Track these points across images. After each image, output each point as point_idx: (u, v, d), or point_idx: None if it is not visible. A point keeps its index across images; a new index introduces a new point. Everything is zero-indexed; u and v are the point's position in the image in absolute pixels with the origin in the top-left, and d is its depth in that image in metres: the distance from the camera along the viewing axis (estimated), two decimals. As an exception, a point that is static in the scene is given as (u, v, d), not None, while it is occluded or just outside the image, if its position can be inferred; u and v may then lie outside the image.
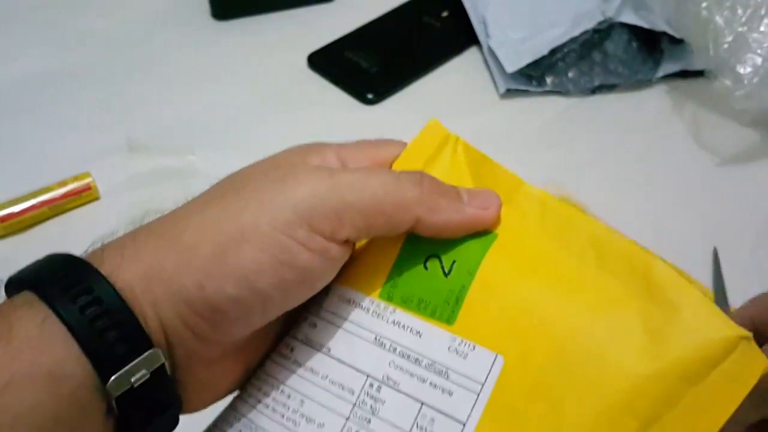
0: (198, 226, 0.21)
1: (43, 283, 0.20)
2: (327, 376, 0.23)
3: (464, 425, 0.21)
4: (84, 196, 0.47)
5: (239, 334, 0.22)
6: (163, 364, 0.20)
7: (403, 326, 0.23)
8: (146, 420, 0.20)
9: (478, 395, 0.21)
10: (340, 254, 0.22)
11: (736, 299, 0.43)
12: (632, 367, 0.20)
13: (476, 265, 0.23)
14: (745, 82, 0.49)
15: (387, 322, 0.23)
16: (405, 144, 0.25)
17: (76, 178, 0.47)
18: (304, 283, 0.22)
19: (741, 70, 0.50)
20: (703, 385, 0.20)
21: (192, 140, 0.52)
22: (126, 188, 0.48)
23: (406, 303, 0.23)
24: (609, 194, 0.47)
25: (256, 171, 0.22)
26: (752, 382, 0.20)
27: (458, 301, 0.22)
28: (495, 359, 0.21)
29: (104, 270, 0.20)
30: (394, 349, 0.22)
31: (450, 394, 0.22)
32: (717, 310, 0.21)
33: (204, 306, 0.20)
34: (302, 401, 0.23)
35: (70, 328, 0.19)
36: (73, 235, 0.46)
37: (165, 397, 0.21)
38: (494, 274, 0.23)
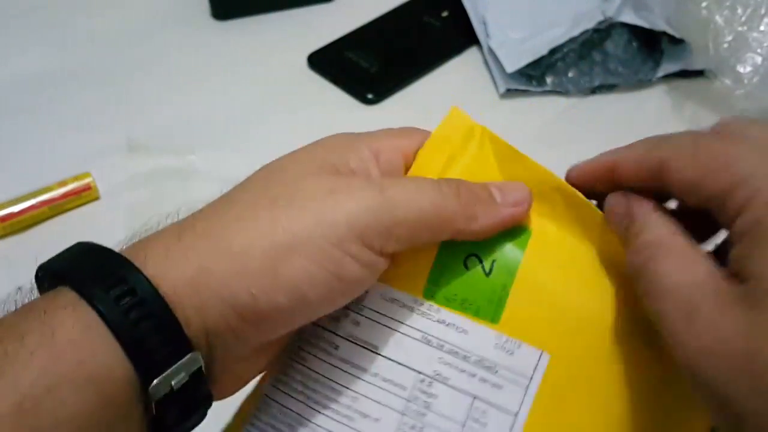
0: (250, 234, 0.21)
1: (85, 281, 0.20)
2: (377, 374, 0.24)
3: (516, 416, 0.23)
4: (84, 196, 0.47)
5: (280, 335, 0.22)
6: (201, 366, 0.20)
7: (449, 324, 0.23)
8: (181, 417, 0.21)
9: (527, 389, 0.23)
10: (385, 265, 0.23)
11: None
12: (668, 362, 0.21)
13: (516, 265, 0.23)
14: (745, 81, 0.49)
15: (432, 320, 0.24)
16: (429, 133, 0.25)
17: (76, 178, 0.47)
18: (350, 292, 0.22)
19: (741, 70, 0.50)
20: None
21: (192, 140, 0.52)
22: (126, 188, 0.48)
23: (449, 302, 0.24)
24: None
25: (302, 173, 0.22)
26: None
27: (501, 301, 0.23)
28: (541, 356, 0.23)
29: (148, 271, 0.20)
30: (442, 347, 0.23)
31: (500, 388, 0.23)
32: None
33: (253, 313, 0.20)
34: (355, 398, 0.23)
35: (114, 332, 0.19)
36: (73, 235, 0.46)
37: (200, 394, 0.21)
38: (534, 273, 0.23)
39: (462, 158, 0.25)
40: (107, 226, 0.46)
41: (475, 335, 0.23)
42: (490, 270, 0.24)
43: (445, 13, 0.61)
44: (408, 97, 0.55)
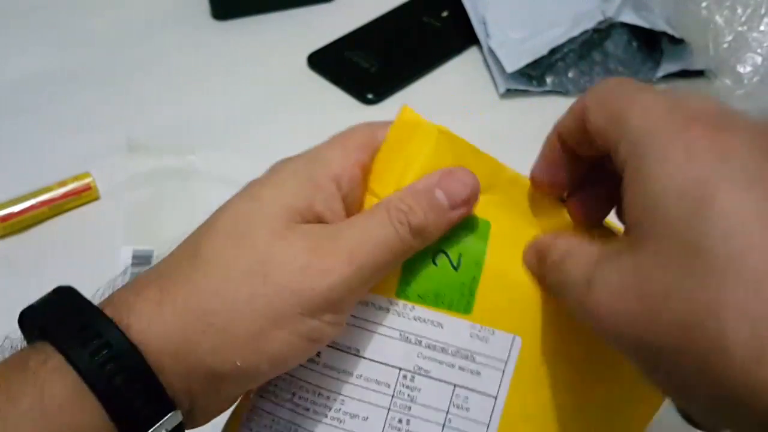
0: (231, 310, 0.22)
1: (72, 344, 0.20)
2: (361, 375, 0.24)
3: (496, 398, 0.24)
4: (84, 195, 0.47)
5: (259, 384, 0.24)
6: (181, 421, 0.22)
7: (425, 320, 0.25)
8: None
9: (503, 372, 0.24)
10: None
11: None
12: None
13: (482, 256, 0.25)
14: (745, 81, 0.50)
15: (408, 318, 0.24)
16: (380, 125, 0.25)
17: (76, 178, 0.47)
18: (323, 346, 0.24)
19: (741, 70, 0.50)
20: None
21: (192, 140, 0.52)
22: (126, 188, 0.48)
23: (423, 299, 0.24)
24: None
25: (270, 235, 0.22)
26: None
27: (471, 292, 0.24)
28: (513, 340, 0.24)
29: (132, 335, 0.21)
30: (420, 342, 0.24)
31: (478, 374, 0.24)
32: None
33: (236, 378, 0.22)
34: (343, 400, 0.24)
35: (100, 398, 0.20)
36: (72, 235, 0.46)
37: None
38: (499, 262, 0.25)
39: (418, 160, 0.25)
40: (107, 226, 0.46)
41: (451, 328, 0.24)
42: (458, 264, 0.25)
43: (445, 13, 0.61)
44: (408, 97, 0.55)
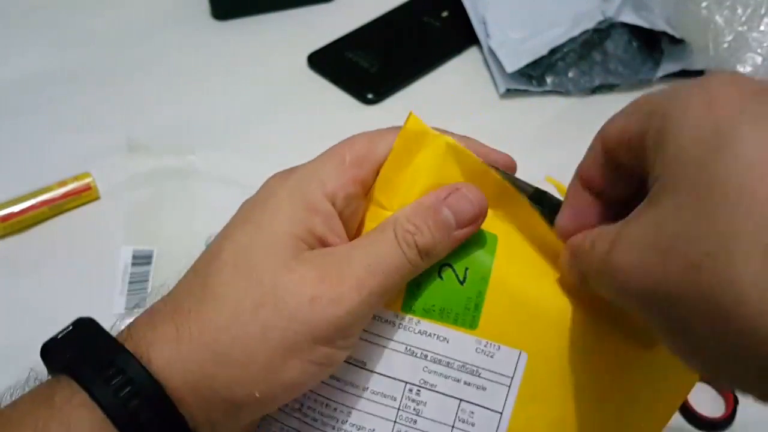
0: (245, 344, 0.22)
1: (95, 381, 0.21)
2: (368, 388, 0.25)
3: (501, 414, 0.24)
4: (84, 195, 0.47)
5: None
6: None
7: (430, 335, 0.24)
8: None
9: (509, 388, 0.24)
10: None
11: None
12: (634, 346, 0.24)
13: (488, 271, 0.24)
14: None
15: (414, 332, 0.25)
16: (376, 135, 0.25)
17: (76, 178, 0.47)
18: (335, 368, 0.24)
19: (741, 70, 0.50)
20: None
21: (192, 140, 0.52)
22: (126, 188, 0.48)
23: (428, 313, 0.24)
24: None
25: (274, 268, 0.22)
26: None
27: (477, 307, 0.24)
28: (519, 356, 0.24)
29: (152, 372, 0.21)
30: (426, 356, 0.24)
31: (484, 389, 0.24)
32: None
33: (254, 406, 0.22)
34: (350, 412, 0.24)
35: None
36: (73, 235, 0.46)
37: None
38: (505, 277, 0.24)
39: (425, 173, 0.25)
40: (107, 226, 0.46)
41: (456, 342, 0.24)
42: (464, 278, 0.24)
43: (445, 13, 0.61)
44: (408, 97, 0.55)
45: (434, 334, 0.24)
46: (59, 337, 0.23)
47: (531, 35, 0.55)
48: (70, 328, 0.23)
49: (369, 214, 0.25)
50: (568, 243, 0.24)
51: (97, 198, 0.48)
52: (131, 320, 0.23)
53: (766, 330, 0.15)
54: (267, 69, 0.58)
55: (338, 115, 0.54)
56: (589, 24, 0.54)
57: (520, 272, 0.25)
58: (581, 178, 0.23)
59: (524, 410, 0.24)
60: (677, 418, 0.38)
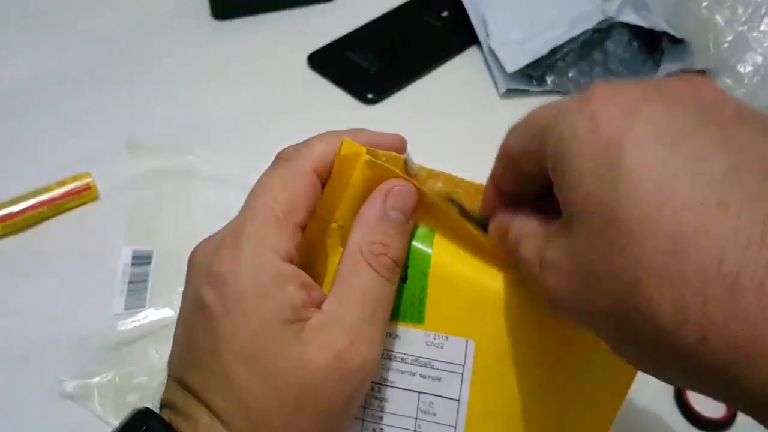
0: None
1: None
2: None
3: (459, 401, 0.25)
4: (83, 195, 0.47)
5: None
6: None
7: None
8: None
9: (462, 375, 0.25)
10: None
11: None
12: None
13: (427, 266, 0.25)
14: (746, 81, 0.50)
15: None
16: (288, 180, 0.25)
17: (75, 178, 0.47)
18: None
19: (741, 69, 0.50)
20: None
21: (192, 140, 0.52)
22: (126, 188, 0.48)
23: None
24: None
25: (294, 375, 0.23)
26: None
27: (421, 302, 0.25)
28: (467, 344, 0.25)
29: None
30: (381, 355, 0.25)
31: (439, 379, 0.25)
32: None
33: None
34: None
35: None
36: (72, 235, 0.46)
37: None
38: (444, 269, 0.25)
39: (356, 189, 0.25)
40: (107, 226, 0.46)
41: (407, 338, 0.25)
42: (406, 276, 0.25)
43: (445, 13, 0.61)
44: (408, 97, 0.55)
45: (386, 333, 0.25)
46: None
47: (531, 35, 0.55)
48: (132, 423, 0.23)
49: (316, 230, 0.25)
50: (494, 222, 0.25)
51: (96, 198, 0.48)
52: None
53: (684, 341, 0.16)
54: (267, 69, 0.58)
55: (338, 115, 0.54)
56: (589, 24, 0.54)
57: (459, 261, 0.25)
58: (495, 185, 0.25)
59: (480, 395, 0.25)
60: (678, 418, 0.38)
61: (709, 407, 0.38)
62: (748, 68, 0.50)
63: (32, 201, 0.46)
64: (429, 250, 0.26)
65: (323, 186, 0.25)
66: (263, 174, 0.25)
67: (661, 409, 0.38)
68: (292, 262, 0.24)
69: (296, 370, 0.22)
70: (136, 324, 0.42)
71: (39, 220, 0.47)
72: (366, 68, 0.57)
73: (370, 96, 0.55)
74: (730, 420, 0.37)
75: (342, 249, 0.25)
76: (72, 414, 0.37)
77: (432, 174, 0.27)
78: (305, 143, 0.26)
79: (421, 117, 0.53)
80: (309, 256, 0.25)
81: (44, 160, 0.50)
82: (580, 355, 0.25)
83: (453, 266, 0.25)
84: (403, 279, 0.25)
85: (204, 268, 0.23)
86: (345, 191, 0.25)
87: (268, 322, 0.22)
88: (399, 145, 0.27)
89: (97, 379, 0.38)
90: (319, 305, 0.23)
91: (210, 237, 0.25)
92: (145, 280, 0.44)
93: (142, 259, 0.45)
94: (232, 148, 0.51)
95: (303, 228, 0.25)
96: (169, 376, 0.24)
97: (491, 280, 0.25)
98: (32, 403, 0.38)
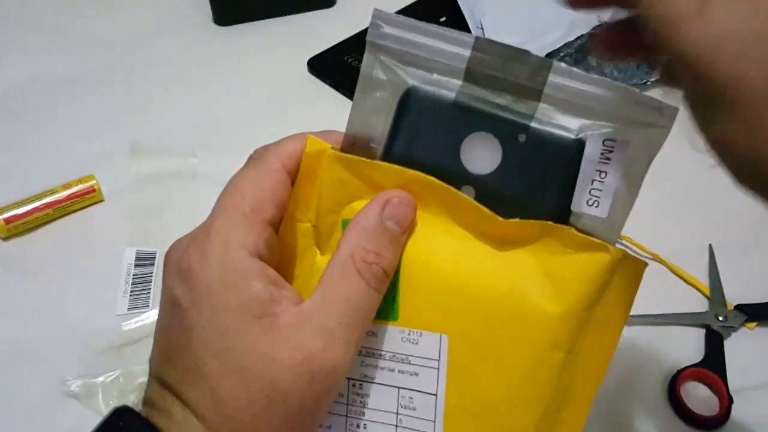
0: None
1: None
2: None
3: (436, 395, 0.25)
4: (88, 198, 0.48)
5: None
6: None
7: None
8: None
9: (438, 370, 0.25)
10: None
11: (731, 292, 0.43)
12: (547, 311, 0.24)
13: (398, 263, 0.25)
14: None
15: None
16: (256, 178, 0.25)
17: (80, 181, 0.48)
18: None
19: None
20: (602, 303, 0.25)
21: (194, 143, 0.53)
22: (129, 190, 0.49)
23: None
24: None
25: (270, 372, 0.23)
26: (636, 287, 0.25)
27: (394, 300, 0.25)
28: (441, 338, 0.25)
29: None
30: (360, 352, 0.26)
31: (416, 375, 0.26)
32: (593, 240, 0.25)
33: None
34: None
35: None
36: (77, 237, 0.47)
37: None
38: (415, 266, 0.25)
39: (327, 185, 0.25)
40: (111, 228, 0.47)
41: (383, 335, 0.25)
42: None
43: (442, 18, 0.61)
44: (407, 101, 0.56)
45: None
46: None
47: (527, 40, 0.56)
48: (111, 422, 0.23)
49: (289, 230, 0.26)
50: None
51: (101, 200, 0.49)
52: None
53: None
54: (268, 73, 0.59)
55: (338, 119, 0.54)
56: (585, 29, 0.55)
57: (431, 256, 0.25)
58: None
59: (456, 388, 0.25)
60: (671, 417, 0.38)
61: (703, 405, 0.38)
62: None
63: (37, 203, 0.47)
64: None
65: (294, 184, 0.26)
66: (234, 174, 0.26)
67: (655, 407, 0.38)
68: (261, 259, 0.23)
69: (265, 366, 0.22)
70: (140, 324, 0.42)
71: (44, 222, 0.47)
72: (365, 72, 0.57)
73: (369, 100, 0.55)
74: (723, 418, 0.37)
75: (316, 250, 0.26)
76: (76, 413, 0.38)
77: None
78: (276, 142, 0.27)
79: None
80: (284, 256, 0.26)
81: (49, 163, 0.51)
82: (552, 347, 0.25)
83: (425, 260, 0.25)
84: None
85: (175, 265, 0.24)
86: (314, 188, 0.25)
87: (236, 316, 0.22)
88: None
89: (101, 379, 0.39)
90: (290, 302, 0.23)
91: (183, 236, 0.25)
92: (149, 281, 0.44)
93: (145, 260, 0.45)
94: (234, 150, 0.51)
95: (273, 224, 0.25)
96: (149, 374, 0.25)
97: (464, 271, 0.25)
98: (37, 402, 0.38)
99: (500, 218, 0.24)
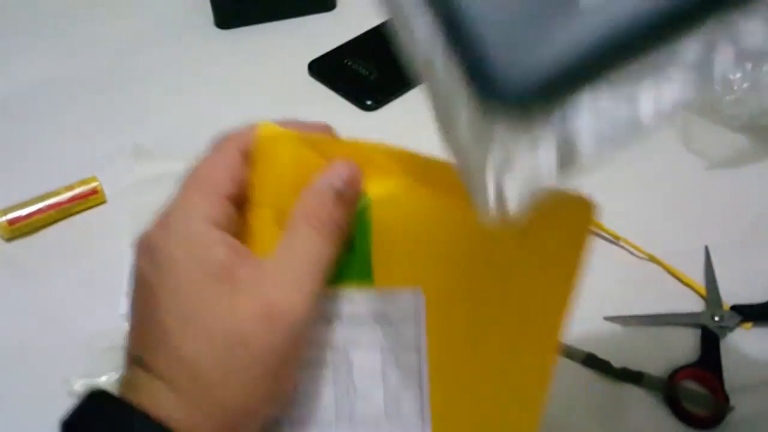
0: (224, 391, 0.24)
1: None
2: (307, 360, 0.27)
3: (419, 350, 0.26)
4: (91, 199, 0.48)
5: None
6: None
7: (339, 299, 0.26)
8: None
9: (417, 324, 0.26)
10: None
11: (727, 293, 0.44)
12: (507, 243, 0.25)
13: (368, 229, 0.26)
14: (735, 87, 0.50)
15: (325, 303, 0.26)
16: (214, 162, 0.26)
17: (83, 182, 0.48)
18: None
19: (731, 76, 0.51)
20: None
21: (196, 146, 0.52)
22: (132, 192, 0.49)
23: (331, 282, 0.26)
24: (605, 196, 0.48)
25: (234, 331, 0.23)
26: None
27: (368, 264, 0.26)
28: (416, 293, 0.26)
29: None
30: (341, 319, 0.26)
31: (398, 332, 0.26)
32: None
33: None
34: (294, 386, 0.26)
35: None
36: (79, 238, 0.47)
37: None
38: (385, 231, 0.26)
39: (287, 166, 0.26)
40: (113, 230, 0.47)
41: (361, 299, 0.26)
42: (352, 242, 0.26)
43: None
44: (406, 104, 0.57)
45: (342, 298, 0.26)
46: (76, 412, 0.24)
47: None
48: (86, 404, 0.24)
49: (250, 216, 0.26)
50: None
51: (103, 202, 0.49)
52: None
53: None
54: (268, 76, 0.59)
55: (338, 122, 0.54)
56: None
57: (399, 220, 0.26)
58: None
59: (438, 341, 0.26)
60: (668, 416, 0.38)
61: (699, 405, 0.38)
62: (738, 75, 0.51)
63: (41, 205, 0.47)
64: (368, 213, 0.26)
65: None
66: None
67: (652, 406, 0.39)
68: (222, 230, 0.24)
69: (226, 320, 0.23)
70: (142, 324, 0.42)
71: (47, 224, 0.47)
72: (365, 76, 0.58)
73: (369, 103, 0.56)
74: (719, 418, 0.38)
75: (277, 229, 0.26)
76: (80, 411, 0.38)
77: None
78: (235, 129, 0.28)
79: (420, 124, 0.54)
80: (249, 241, 0.26)
81: (52, 165, 0.51)
82: (524, 285, 0.26)
83: (394, 224, 0.26)
84: (350, 248, 0.26)
85: (141, 246, 0.25)
86: (270, 172, 0.26)
87: (199, 281, 0.23)
88: (326, 132, 0.28)
89: (104, 378, 0.39)
90: (252, 266, 0.24)
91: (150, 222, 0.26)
92: (151, 282, 0.44)
93: (147, 261, 0.45)
94: (235, 153, 0.52)
95: (232, 199, 0.25)
96: (125, 358, 0.25)
97: (434, 229, 0.25)
98: (40, 401, 0.38)
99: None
